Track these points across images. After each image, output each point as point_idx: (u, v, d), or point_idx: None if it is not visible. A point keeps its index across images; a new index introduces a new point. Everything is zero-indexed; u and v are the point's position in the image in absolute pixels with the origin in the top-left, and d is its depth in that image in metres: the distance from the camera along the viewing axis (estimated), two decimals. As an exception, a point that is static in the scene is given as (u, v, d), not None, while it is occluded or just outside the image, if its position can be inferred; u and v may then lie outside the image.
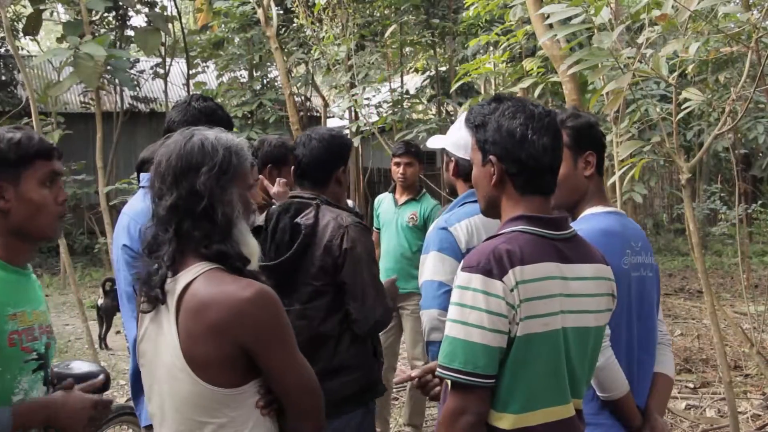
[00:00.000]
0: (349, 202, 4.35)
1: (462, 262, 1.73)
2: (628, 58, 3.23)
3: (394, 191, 4.89)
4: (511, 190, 1.79)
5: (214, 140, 1.72)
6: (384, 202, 4.93)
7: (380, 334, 4.61)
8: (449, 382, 1.70)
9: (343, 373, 2.49)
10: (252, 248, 1.75)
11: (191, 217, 1.67)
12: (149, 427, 2.45)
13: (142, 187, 2.59)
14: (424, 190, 4.90)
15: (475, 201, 2.09)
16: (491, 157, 1.78)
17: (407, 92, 12.55)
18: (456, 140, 2.64)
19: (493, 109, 1.80)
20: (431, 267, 2.60)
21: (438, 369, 1.70)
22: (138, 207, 2.50)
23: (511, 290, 1.64)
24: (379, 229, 4.91)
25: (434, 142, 2.87)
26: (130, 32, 14.16)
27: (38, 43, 16.67)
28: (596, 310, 1.80)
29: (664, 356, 2.26)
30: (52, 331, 2.03)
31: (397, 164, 4.75)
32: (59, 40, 11.60)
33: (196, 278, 1.65)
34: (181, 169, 1.68)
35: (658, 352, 2.24)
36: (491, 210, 1.85)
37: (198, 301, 1.62)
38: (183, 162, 1.68)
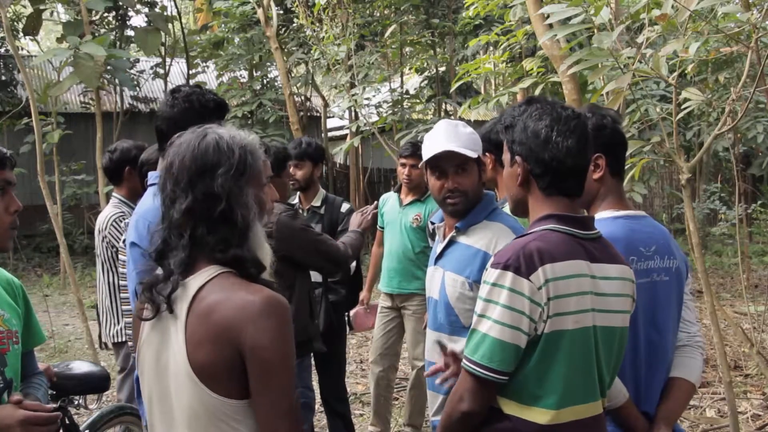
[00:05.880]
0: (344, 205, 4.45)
1: (492, 258, 1.77)
2: (628, 58, 3.23)
3: (399, 191, 4.88)
4: (536, 191, 1.84)
5: (229, 139, 1.62)
6: (389, 201, 4.92)
7: (381, 334, 4.70)
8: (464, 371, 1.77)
9: None
10: (267, 252, 1.66)
11: (208, 221, 1.57)
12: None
13: (152, 185, 2.59)
14: (429, 191, 4.89)
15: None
16: (517, 157, 1.84)
17: (407, 92, 12.54)
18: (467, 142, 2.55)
19: (522, 110, 1.86)
20: None
21: (463, 360, 1.77)
22: (147, 204, 2.50)
23: (539, 288, 1.68)
24: (383, 228, 4.91)
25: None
26: (130, 32, 14.13)
27: (38, 43, 16.65)
28: (622, 310, 1.83)
29: (688, 359, 2.15)
30: (14, 337, 1.96)
31: (403, 165, 4.73)
32: (59, 40, 11.60)
33: (207, 283, 1.57)
34: (197, 171, 1.58)
35: (681, 354, 2.16)
36: (519, 209, 1.91)
37: (207, 305, 1.54)
38: (198, 163, 1.58)
